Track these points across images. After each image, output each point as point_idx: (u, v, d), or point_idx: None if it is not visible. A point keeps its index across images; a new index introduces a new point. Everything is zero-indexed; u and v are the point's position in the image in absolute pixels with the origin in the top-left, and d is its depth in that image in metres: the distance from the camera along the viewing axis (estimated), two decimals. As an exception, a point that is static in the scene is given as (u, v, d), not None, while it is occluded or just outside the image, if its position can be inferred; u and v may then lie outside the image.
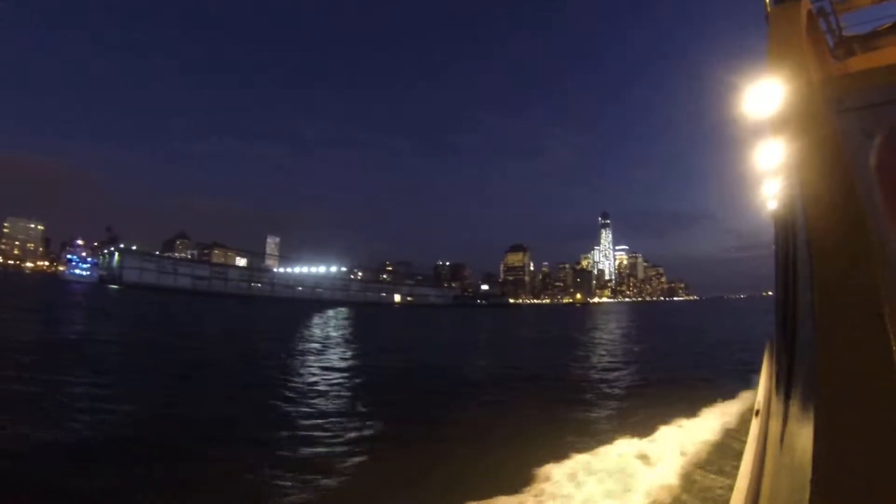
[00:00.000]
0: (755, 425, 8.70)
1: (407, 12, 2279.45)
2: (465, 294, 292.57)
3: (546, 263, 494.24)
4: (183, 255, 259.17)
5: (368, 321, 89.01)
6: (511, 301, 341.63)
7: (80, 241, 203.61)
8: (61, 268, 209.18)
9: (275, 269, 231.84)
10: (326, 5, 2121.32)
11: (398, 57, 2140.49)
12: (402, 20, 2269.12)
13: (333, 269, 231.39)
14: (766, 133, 6.36)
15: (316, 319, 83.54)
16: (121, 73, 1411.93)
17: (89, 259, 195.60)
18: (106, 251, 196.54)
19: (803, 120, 4.68)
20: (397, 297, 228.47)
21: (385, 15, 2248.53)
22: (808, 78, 5.08)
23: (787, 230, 7.31)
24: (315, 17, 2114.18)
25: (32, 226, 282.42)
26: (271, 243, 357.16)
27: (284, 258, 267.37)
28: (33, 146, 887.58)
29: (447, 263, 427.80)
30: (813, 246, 3.74)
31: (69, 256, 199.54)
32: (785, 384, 6.30)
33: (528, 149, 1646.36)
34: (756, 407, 10.25)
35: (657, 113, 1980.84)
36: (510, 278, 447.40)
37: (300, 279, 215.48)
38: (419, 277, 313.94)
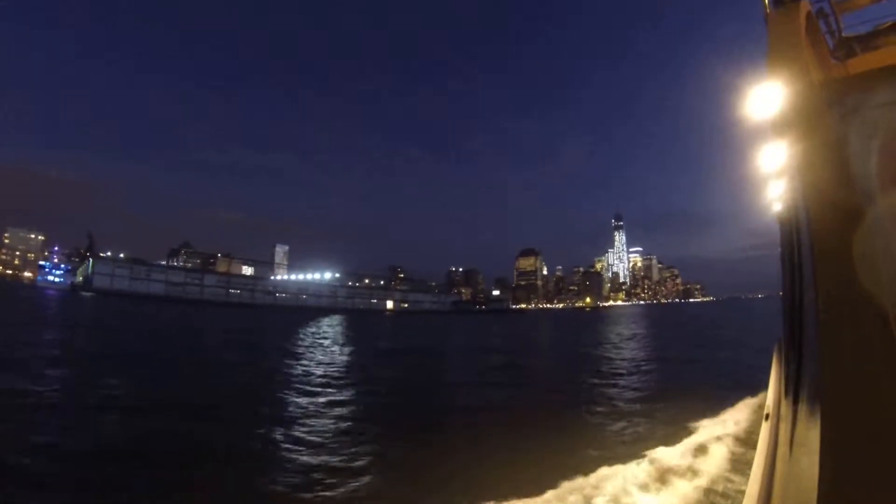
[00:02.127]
0: (765, 429, 8.19)
1: (420, 19, 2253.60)
2: (466, 300, 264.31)
3: (560, 267, 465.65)
4: (186, 264, 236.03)
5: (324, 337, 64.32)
6: (516, 307, 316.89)
7: (56, 248, 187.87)
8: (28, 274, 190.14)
9: (272, 277, 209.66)
10: (335, 15, 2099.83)
11: (411, 63, 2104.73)
12: (415, 27, 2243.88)
13: (328, 275, 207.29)
14: (769, 135, 6.12)
15: (277, 330, 67.35)
16: (129, 84, 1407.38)
17: (62, 266, 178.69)
18: (86, 259, 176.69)
19: (805, 122, 4.68)
20: (389, 304, 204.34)
21: (397, 22, 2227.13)
22: (809, 80, 5.03)
23: (792, 232, 7.27)
24: (323, 24, 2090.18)
25: (32, 236, 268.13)
26: (280, 252, 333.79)
27: (293, 267, 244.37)
28: (39, 158, 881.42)
29: (460, 269, 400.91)
30: (816, 248, 3.74)
31: (41, 263, 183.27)
32: (794, 387, 6.18)
33: (541, 152, 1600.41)
34: (766, 410, 9.39)
35: (669, 113, 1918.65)
36: (522, 283, 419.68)
37: (283, 286, 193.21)
38: (433, 283, 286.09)
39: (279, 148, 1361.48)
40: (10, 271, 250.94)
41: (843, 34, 8.80)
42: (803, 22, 5.77)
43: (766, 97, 5.13)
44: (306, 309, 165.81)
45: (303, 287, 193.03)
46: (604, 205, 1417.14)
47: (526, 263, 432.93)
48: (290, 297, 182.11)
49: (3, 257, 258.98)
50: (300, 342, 53.71)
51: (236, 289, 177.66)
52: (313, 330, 74.70)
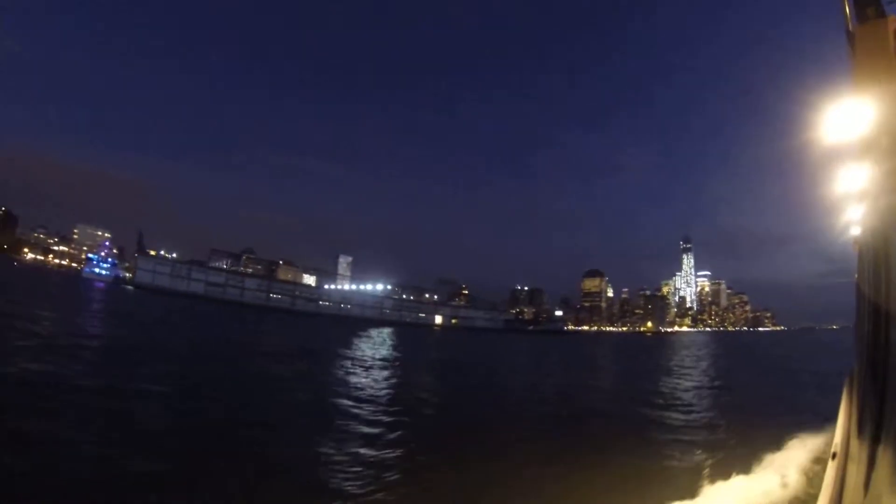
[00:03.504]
0: (832, 468, 7.54)
1: (487, 32, 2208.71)
2: (521, 319, 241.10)
3: (626, 290, 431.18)
4: (248, 269, 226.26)
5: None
6: (576, 328, 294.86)
7: (107, 243, 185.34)
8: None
9: (325, 286, 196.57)
10: (395, 21, 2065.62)
11: (475, 75, 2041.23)
12: (479, 39, 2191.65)
13: (380, 286, 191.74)
14: (849, 155, 5.87)
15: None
16: (198, 94, 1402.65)
17: (109, 259, 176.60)
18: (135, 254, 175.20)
19: (892, 145, 4.41)
20: (438, 319, 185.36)
21: (460, 33, 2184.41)
22: None
23: (878, 258, 6.54)
24: (385, 33, 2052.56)
25: (99, 233, 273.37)
26: (343, 263, 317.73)
27: (355, 278, 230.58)
28: (113, 162, 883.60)
29: (525, 288, 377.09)
30: None
31: (90, 256, 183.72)
32: (872, 426, 5.66)
33: (606, 167, 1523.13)
34: (833, 450, 8.62)
35: (739, 127, 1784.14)
36: (587, 304, 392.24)
37: (327, 294, 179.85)
38: (496, 301, 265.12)
39: (338, 156, 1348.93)
40: (75, 264, 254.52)
41: None
42: (892, 37, 5.30)
43: (851, 115, 4.74)
44: (349, 319, 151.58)
45: (347, 297, 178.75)
46: (671, 222, 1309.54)
47: (591, 284, 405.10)
48: (333, 307, 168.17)
49: (72, 251, 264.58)
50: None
51: (277, 294, 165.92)
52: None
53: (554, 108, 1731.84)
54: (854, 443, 7.16)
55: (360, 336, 78.78)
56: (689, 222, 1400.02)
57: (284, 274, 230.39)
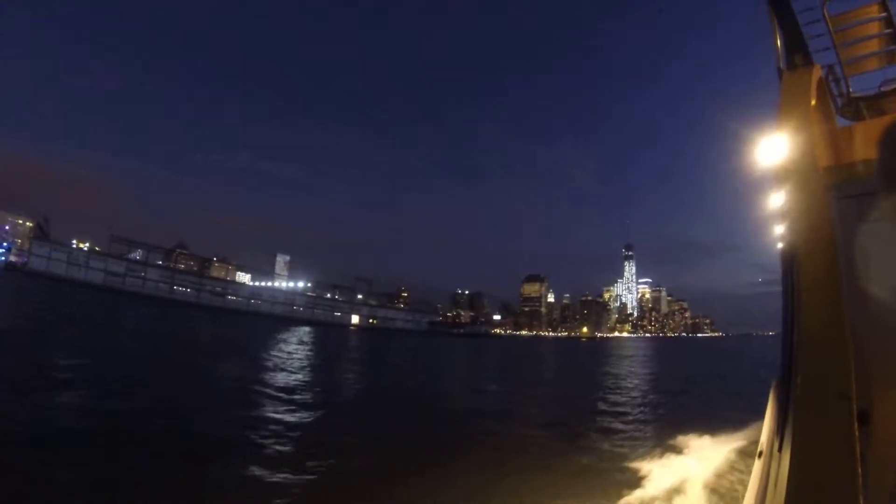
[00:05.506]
0: (758, 466, 7.83)
1: (435, 40, 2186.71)
2: (443, 321, 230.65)
3: (567, 295, 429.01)
4: (180, 265, 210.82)
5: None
6: (509, 332, 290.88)
7: (6, 227, 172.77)
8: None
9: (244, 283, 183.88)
10: (345, 29, 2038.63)
11: (425, 79, 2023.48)
12: (435, 42, 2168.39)
13: (301, 284, 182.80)
14: (773, 182, 6.49)
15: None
16: (145, 88, 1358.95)
17: (3, 244, 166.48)
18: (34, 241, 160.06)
19: (799, 184, 5.00)
20: (355, 319, 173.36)
21: (416, 38, 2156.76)
22: (810, 141, 5.25)
23: (788, 272, 7.43)
24: (332, 38, 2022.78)
25: (20, 222, 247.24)
26: (280, 262, 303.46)
27: (293, 278, 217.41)
28: (50, 152, 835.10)
29: (466, 292, 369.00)
30: (800, 288, 4.19)
31: None
32: (783, 425, 6.27)
33: (553, 177, 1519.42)
34: (759, 448, 8.91)
35: (682, 142, 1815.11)
36: (526, 309, 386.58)
37: (234, 289, 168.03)
38: (439, 305, 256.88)
39: (283, 156, 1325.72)
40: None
41: (852, 94, 8.94)
42: (814, 86, 5.80)
43: (773, 148, 5.35)
44: (258, 316, 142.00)
45: (256, 292, 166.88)
46: (616, 231, 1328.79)
47: (531, 289, 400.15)
48: (242, 302, 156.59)
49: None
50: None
51: (182, 286, 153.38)
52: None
53: (500, 115, 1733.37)
54: (776, 441, 7.36)
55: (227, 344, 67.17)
56: (633, 228, 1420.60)
57: (218, 271, 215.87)
